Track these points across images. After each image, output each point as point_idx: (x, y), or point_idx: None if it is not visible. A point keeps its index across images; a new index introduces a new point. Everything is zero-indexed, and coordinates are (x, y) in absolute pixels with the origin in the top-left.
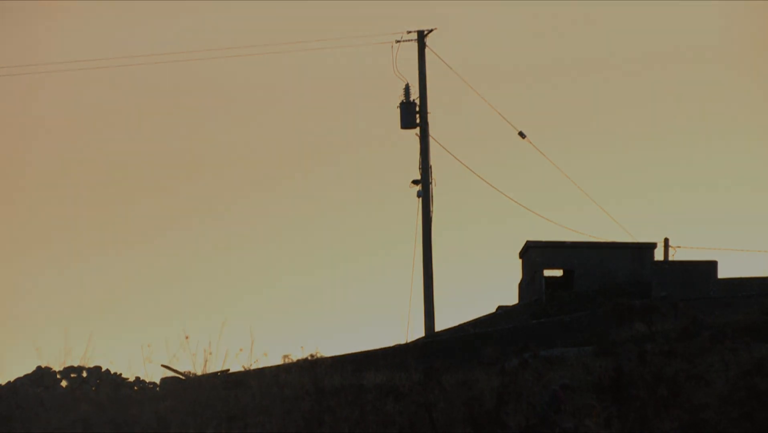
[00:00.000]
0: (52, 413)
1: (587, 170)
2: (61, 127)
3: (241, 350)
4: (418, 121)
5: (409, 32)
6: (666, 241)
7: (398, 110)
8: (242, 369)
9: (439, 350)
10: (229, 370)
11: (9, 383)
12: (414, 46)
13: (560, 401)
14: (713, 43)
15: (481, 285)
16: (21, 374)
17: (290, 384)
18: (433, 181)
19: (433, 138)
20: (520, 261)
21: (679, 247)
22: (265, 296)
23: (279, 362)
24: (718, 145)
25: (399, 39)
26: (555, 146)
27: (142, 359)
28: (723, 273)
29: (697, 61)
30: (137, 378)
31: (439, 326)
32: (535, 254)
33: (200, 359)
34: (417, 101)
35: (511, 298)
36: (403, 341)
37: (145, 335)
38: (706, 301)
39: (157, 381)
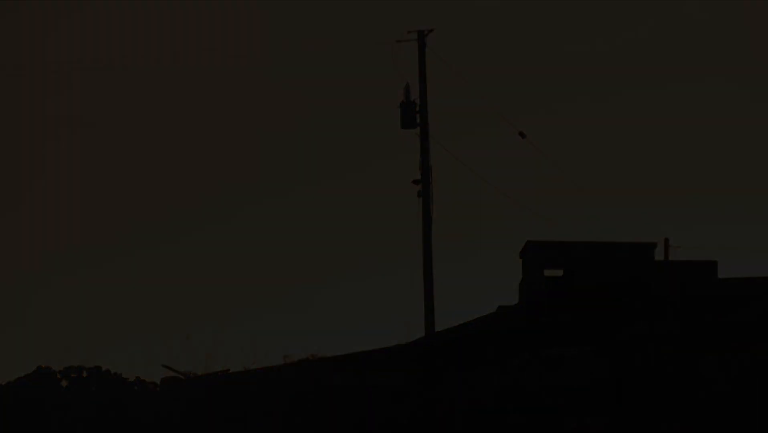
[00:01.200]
0: (52, 413)
1: (587, 170)
2: (61, 128)
3: (241, 350)
4: (418, 121)
5: (409, 32)
6: (666, 241)
7: (398, 110)
8: (242, 369)
9: (439, 350)
10: (229, 370)
11: (9, 383)
12: (414, 46)
13: None
14: (714, 42)
15: (481, 285)
16: (21, 374)
17: (290, 384)
18: (433, 181)
19: (433, 138)
20: (520, 261)
21: (679, 247)
22: (265, 295)
23: (279, 362)
24: (719, 145)
25: (399, 39)
26: (555, 146)
27: (142, 359)
28: (723, 273)
29: (697, 61)
30: (137, 378)
31: (439, 326)
32: (535, 254)
33: (201, 359)
34: (417, 101)
35: (511, 298)
36: (403, 341)
37: (146, 335)
38: (706, 301)
39: (157, 381)
